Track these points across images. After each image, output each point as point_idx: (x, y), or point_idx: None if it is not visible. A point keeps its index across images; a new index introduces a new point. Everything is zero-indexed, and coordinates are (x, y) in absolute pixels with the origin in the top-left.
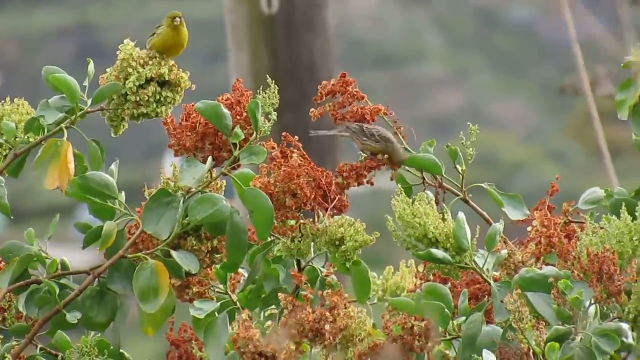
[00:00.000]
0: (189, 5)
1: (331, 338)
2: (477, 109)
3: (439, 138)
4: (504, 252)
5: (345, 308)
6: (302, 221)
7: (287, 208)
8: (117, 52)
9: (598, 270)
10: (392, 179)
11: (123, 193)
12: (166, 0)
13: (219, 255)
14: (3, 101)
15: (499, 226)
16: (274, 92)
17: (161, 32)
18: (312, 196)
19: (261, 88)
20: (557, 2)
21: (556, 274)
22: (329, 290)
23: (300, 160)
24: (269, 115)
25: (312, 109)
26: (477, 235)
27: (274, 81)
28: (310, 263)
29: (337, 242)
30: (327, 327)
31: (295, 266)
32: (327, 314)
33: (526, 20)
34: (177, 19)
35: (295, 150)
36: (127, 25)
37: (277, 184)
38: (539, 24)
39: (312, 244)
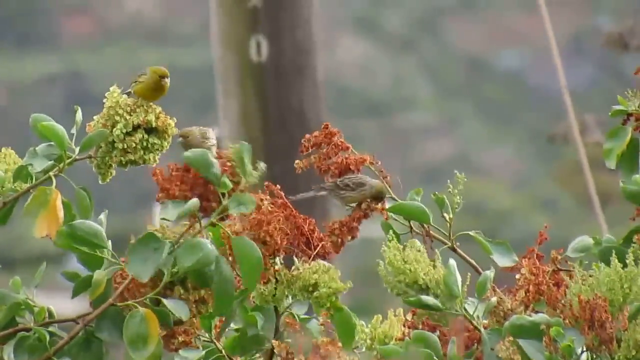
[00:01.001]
0: (178, 53)
1: None
2: (467, 157)
3: (429, 186)
4: (494, 299)
5: (339, 357)
6: (276, 267)
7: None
8: (104, 100)
9: (590, 317)
10: (385, 217)
11: (110, 242)
12: (155, 49)
13: (205, 306)
14: None
15: (490, 273)
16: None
17: (144, 82)
18: (283, 243)
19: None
20: (547, 50)
21: (547, 321)
22: (324, 339)
23: (271, 208)
24: (257, 165)
25: (297, 161)
26: (467, 283)
27: (263, 128)
28: (288, 309)
29: (310, 289)
30: None
31: (273, 313)
32: None
33: (515, 68)
34: (166, 79)
35: (266, 197)
36: (116, 73)
37: (246, 231)
38: (529, 72)
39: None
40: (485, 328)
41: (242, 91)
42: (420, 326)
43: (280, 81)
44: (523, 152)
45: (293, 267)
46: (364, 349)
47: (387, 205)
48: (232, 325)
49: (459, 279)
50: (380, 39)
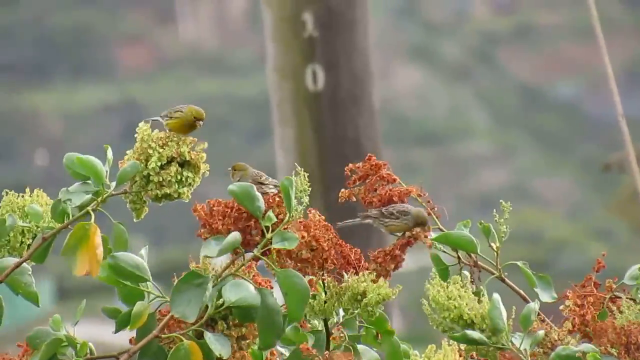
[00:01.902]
0: (234, 82)
1: None
2: (522, 186)
3: (484, 215)
4: (541, 332)
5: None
6: (324, 279)
7: (305, 262)
8: (135, 135)
9: (625, 342)
10: (429, 245)
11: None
12: (211, 78)
13: (246, 342)
14: (23, 193)
15: (534, 306)
16: (304, 178)
17: (179, 119)
18: (332, 252)
19: (293, 172)
20: (602, 78)
21: (592, 350)
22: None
23: (320, 217)
24: (302, 200)
25: (342, 191)
26: (513, 316)
27: (319, 158)
28: (338, 329)
29: (359, 297)
30: None
31: (324, 330)
32: None
33: (571, 97)
34: (201, 122)
35: (317, 214)
36: (171, 102)
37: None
38: (584, 101)
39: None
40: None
41: (298, 120)
42: (469, 359)
43: (336, 110)
44: (579, 181)
45: (343, 280)
46: None
47: (433, 235)
48: (284, 352)
49: (504, 312)
50: (436, 67)
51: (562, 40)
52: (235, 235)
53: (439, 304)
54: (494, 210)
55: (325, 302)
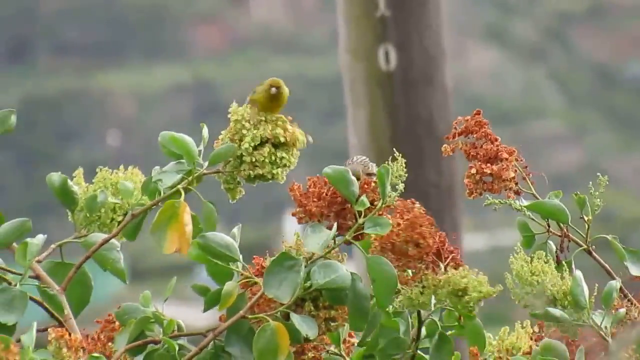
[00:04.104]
0: (307, 62)
1: None
2: (596, 165)
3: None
4: (622, 310)
5: None
6: (423, 272)
7: (409, 258)
8: (229, 115)
9: None
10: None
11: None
12: (284, 58)
13: (335, 324)
14: (117, 170)
15: (615, 283)
16: (401, 164)
17: (258, 93)
18: (435, 247)
19: (389, 161)
20: None
21: None
22: None
23: (423, 211)
24: (396, 186)
25: (444, 145)
26: (595, 293)
27: (392, 138)
28: (430, 317)
29: (459, 293)
30: None
31: (416, 319)
32: None
33: None
34: (274, 89)
35: (417, 203)
36: (244, 83)
37: (401, 233)
38: None
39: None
40: (614, 338)
41: (370, 101)
42: (549, 335)
43: (409, 90)
44: None
45: (439, 272)
46: None
47: (525, 202)
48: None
49: (586, 289)
50: (509, 47)
51: (636, 19)
52: (334, 228)
53: (522, 279)
54: (567, 189)
55: (421, 293)
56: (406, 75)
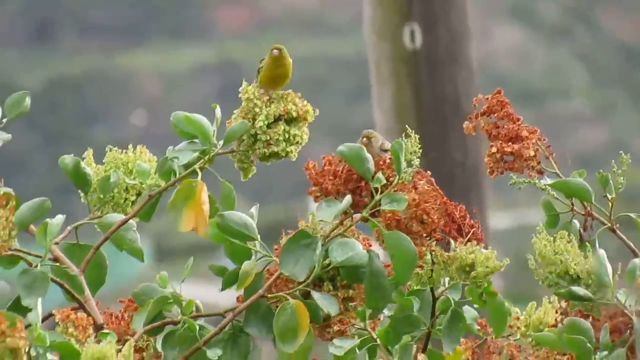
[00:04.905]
0: (332, 42)
1: None
2: (620, 144)
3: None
4: None
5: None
6: (432, 249)
7: (414, 234)
8: (239, 95)
9: None
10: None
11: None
12: (309, 38)
13: (353, 304)
14: (126, 149)
15: (638, 261)
16: (415, 140)
17: (263, 65)
18: (441, 223)
19: (403, 132)
20: None
21: None
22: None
23: (428, 187)
24: (411, 162)
25: (466, 123)
26: (619, 272)
27: (417, 117)
28: (444, 293)
29: (467, 269)
30: None
31: (430, 297)
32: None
33: None
34: (276, 50)
35: (423, 178)
36: None
37: (405, 209)
38: None
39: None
40: (638, 316)
41: (395, 80)
42: (574, 313)
43: (434, 69)
44: None
45: (449, 249)
46: (518, 336)
47: (550, 181)
48: (385, 312)
49: (609, 268)
50: (534, 26)
51: None
52: (348, 199)
53: (545, 259)
54: (592, 168)
55: (432, 270)
56: (431, 54)
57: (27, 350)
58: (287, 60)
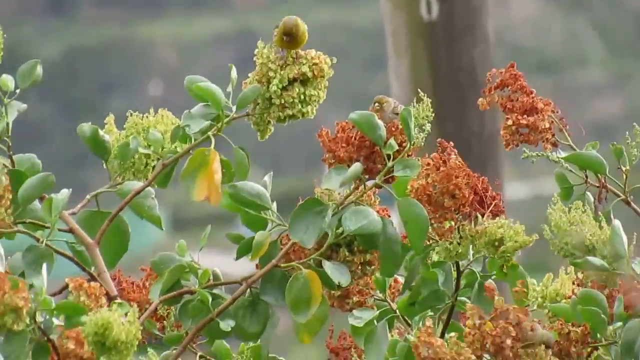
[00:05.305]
0: (349, 12)
1: (511, 354)
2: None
3: (599, 144)
4: None
5: (532, 329)
6: (460, 223)
7: (445, 209)
8: (254, 58)
9: None
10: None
11: (275, 203)
12: (326, 8)
13: (371, 268)
14: (147, 113)
15: None
16: (427, 105)
17: (275, 36)
18: (470, 197)
19: (415, 100)
20: None
21: None
22: (515, 306)
23: (459, 162)
24: (423, 127)
25: (480, 99)
26: (634, 242)
27: (434, 88)
28: (469, 267)
29: (496, 243)
30: (508, 341)
31: (455, 269)
32: (511, 328)
33: None
34: (287, 37)
35: (453, 153)
36: None
37: (436, 184)
38: None
39: (470, 246)
40: None
41: (412, 51)
42: (590, 285)
43: (451, 40)
44: None
45: (477, 223)
46: (535, 307)
47: (563, 154)
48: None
49: (625, 238)
50: None
51: None
52: (357, 167)
53: (561, 229)
54: (608, 138)
55: (459, 244)
56: (448, 25)
57: (32, 314)
58: (299, 41)
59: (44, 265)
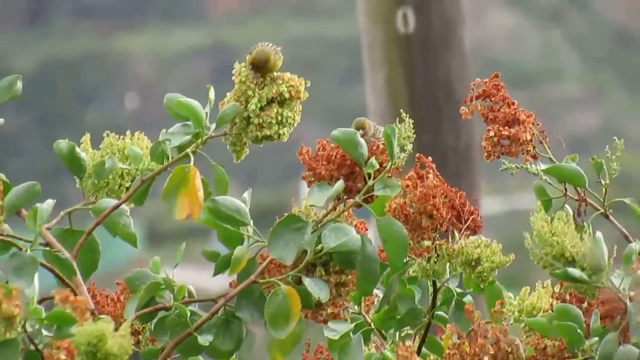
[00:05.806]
0: (325, 25)
1: None
2: (613, 128)
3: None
4: None
5: (510, 348)
6: (437, 242)
7: (423, 229)
8: (233, 78)
9: None
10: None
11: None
12: (301, 21)
13: (346, 289)
14: (123, 135)
15: (635, 246)
16: (409, 125)
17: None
18: (448, 217)
19: (392, 114)
20: None
21: None
22: (494, 325)
23: (437, 181)
24: (404, 147)
25: (463, 108)
26: (614, 255)
27: (410, 101)
28: (446, 284)
29: (473, 263)
30: (485, 359)
31: (431, 287)
32: (489, 346)
33: None
34: (254, 69)
35: (431, 171)
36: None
37: (413, 204)
38: None
39: (447, 264)
40: (631, 300)
41: (388, 63)
42: (568, 297)
43: (427, 53)
44: None
45: (454, 241)
46: (511, 321)
47: (543, 166)
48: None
49: (606, 251)
50: (527, 10)
51: None
52: (340, 184)
53: (542, 240)
54: (585, 151)
55: (435, 263)
56: (424, 38)
57: (23, 323)
58: (267, 72)
59: (36, 275)
